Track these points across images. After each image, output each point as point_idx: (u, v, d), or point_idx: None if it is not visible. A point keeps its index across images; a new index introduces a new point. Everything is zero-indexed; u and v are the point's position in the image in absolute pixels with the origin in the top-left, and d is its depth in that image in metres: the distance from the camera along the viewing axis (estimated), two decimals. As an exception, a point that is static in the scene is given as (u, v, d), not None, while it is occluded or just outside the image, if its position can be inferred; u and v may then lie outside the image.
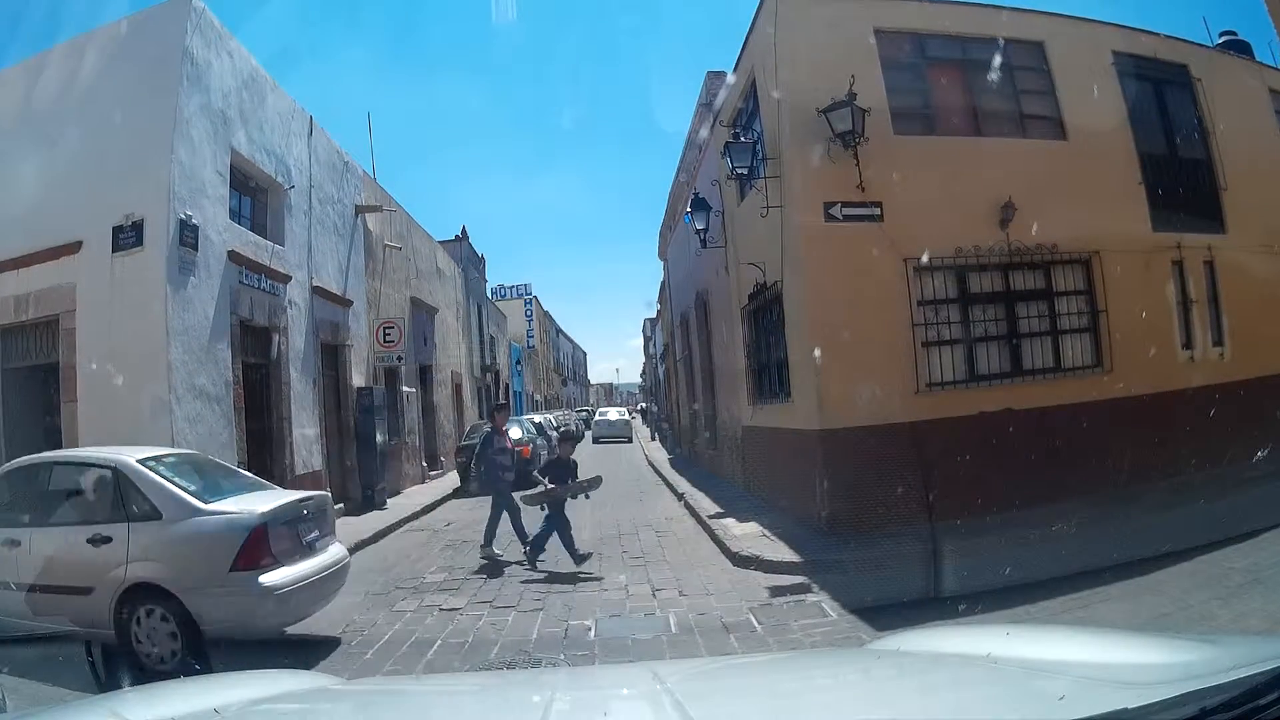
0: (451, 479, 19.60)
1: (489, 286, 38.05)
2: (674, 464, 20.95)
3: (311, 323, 13.25)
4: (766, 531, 9.94)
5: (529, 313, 56.93)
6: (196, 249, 9.91)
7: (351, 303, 15.16)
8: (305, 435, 12.55)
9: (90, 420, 9.34)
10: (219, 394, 10.07)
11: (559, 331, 79.41)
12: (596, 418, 40.03)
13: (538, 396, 57.52)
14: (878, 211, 9.18)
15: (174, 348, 9.31)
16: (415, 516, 14.11)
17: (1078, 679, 1.52)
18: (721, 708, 1.81)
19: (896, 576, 7.13)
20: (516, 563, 9.58)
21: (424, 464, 19.77)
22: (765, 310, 12.08)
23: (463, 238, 29.68)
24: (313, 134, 13.95)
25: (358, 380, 15.30)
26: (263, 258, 11.68)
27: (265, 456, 11.58)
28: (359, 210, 16.17)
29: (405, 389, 18.53)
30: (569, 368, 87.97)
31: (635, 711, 1.85)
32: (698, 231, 13.77)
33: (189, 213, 9.83)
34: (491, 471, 10.21)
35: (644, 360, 76.95)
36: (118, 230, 9.61)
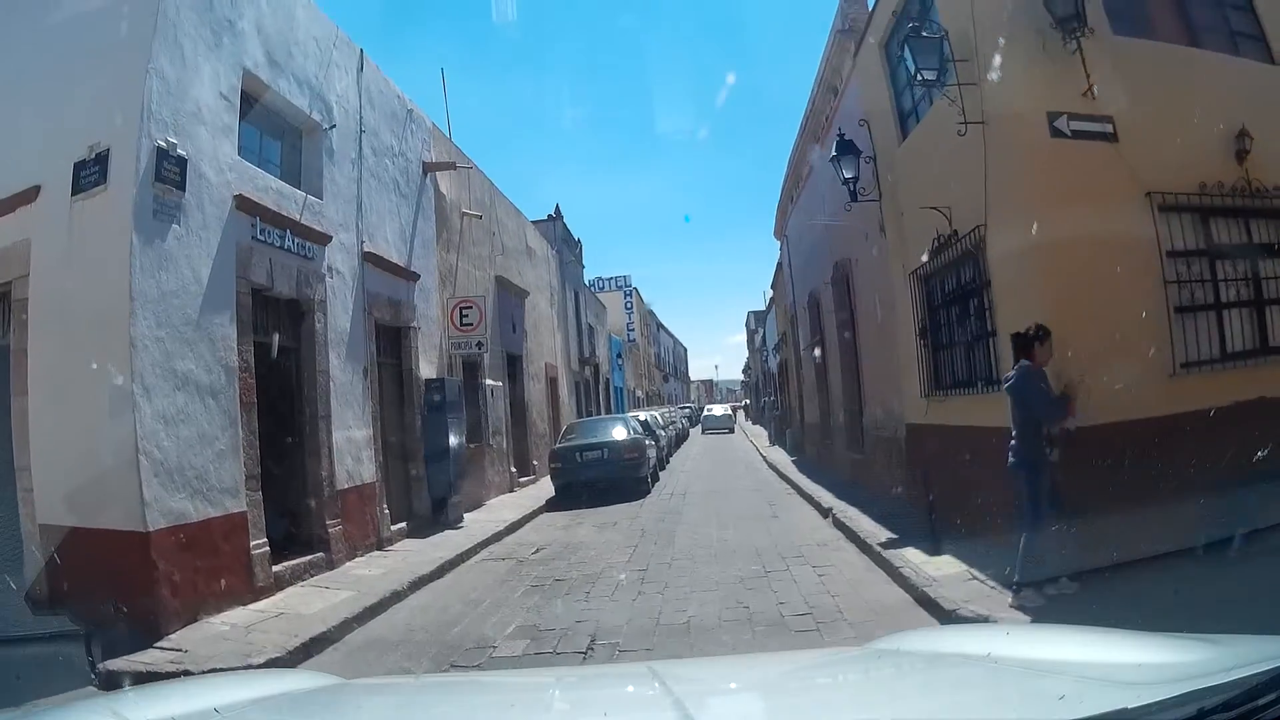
0: (545, 487, 16.82)
1: (585, 276, 35.43)
2: (800, 468, 17.64)
3: (361, 297, 10.58)
4: (975, 572, 6.82)
5: (628, 305, 53.94)
6: (183, 188, 7.27)
7: (418, 276, 12.48)
8: (351, 439, 9.87)
9: (43, 422, 6.81)
10: (215, 384, 7.41)
11: (659, 326, 77.07)
12: (704, 413, 45.53)
13: (639, 393, 54.88)
14: (1110, 128, 6.68)
15: (141, 319, 6.66)
16: (496, 538, 11.32)
17: (1078, 679, 1.50)
18: (721, 708, 1.83)
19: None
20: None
21: (512, 469, 17.05)
22: (952, 271, 8.98)
23: (556, 217, 27.01)
24: (363, 70, 11.29)
25: (426, 370, 12.62)
26: (289, 209, 9.02)
27: (291, 466, 8.94)
28: (427, 168, 13.50)
29: (489, 382, 15.84)
30: (670, 363, 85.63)
31: (635, 711, 1.84)
32: (845, 182, 10.66)
33: (171, 140, 7.18)
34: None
35: (746, 355, 75.23)
36: (80, 167, 7.03)
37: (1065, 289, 6.86)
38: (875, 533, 9.08)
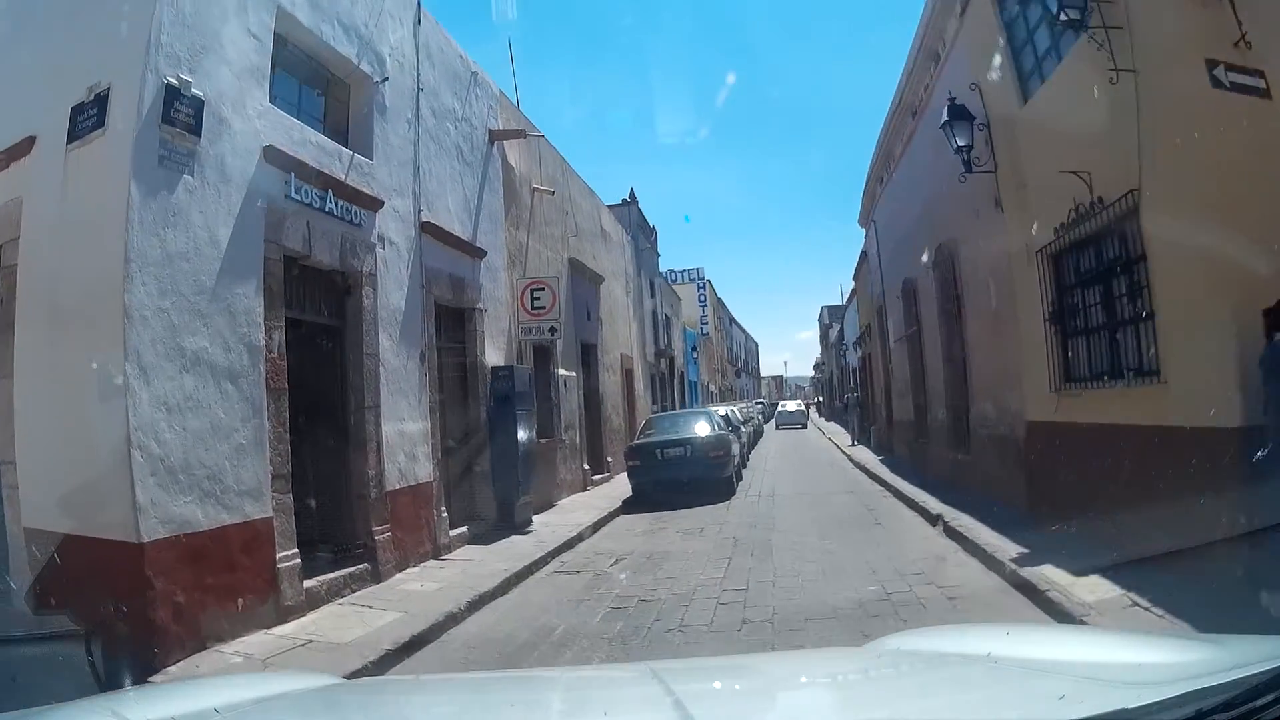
0: (620, 485, 15.48)
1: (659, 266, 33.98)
2: (892, 468, 15.84)
3: (419, 272, 9.36)
4: (1135, 598, 5.47)
5: (702, 298, 52.13)
6: (198, 133, 6.09)
7: (483, 253, 11.24)
8: (404, 432, 8.65)
9: (29, 409, 5.73)
10: (235, 365, 6.23)
11: (731, 320, 75.53)
12: (779, 409, 46.77)
13: (712, 387, 53.21)
14: (1263, 84, 5.54)
15: (139, 285, 5.49)
16: (569, 545, 10.02)
17: (1078, 679, 1.50)
18: (722, 707, 1.82)
19: None
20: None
21: (585, 467, 15.75)
22: (1090, 245, 7.63)
23: (631, 201, 25.66)
24: (420, 24, 10.07)
25: (493, 358, 11.37)
26: (332, 168, 7.83)
27: (331, 464, 7.77)
28: (494, 137, 12.25)
29: (561, 372, 14.56)
30: (741, 359, 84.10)
31: (635, 711, 1.82)
32: (959, 150, 9.39)
33: (184, 77, 6.01)
34: None
35: (819, 351, 73.96)
36: (77, 111, 5.93)
37: (1242, 260, 5.49)
38: (999, 545, 7.56)
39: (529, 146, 14.14)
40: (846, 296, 33.45)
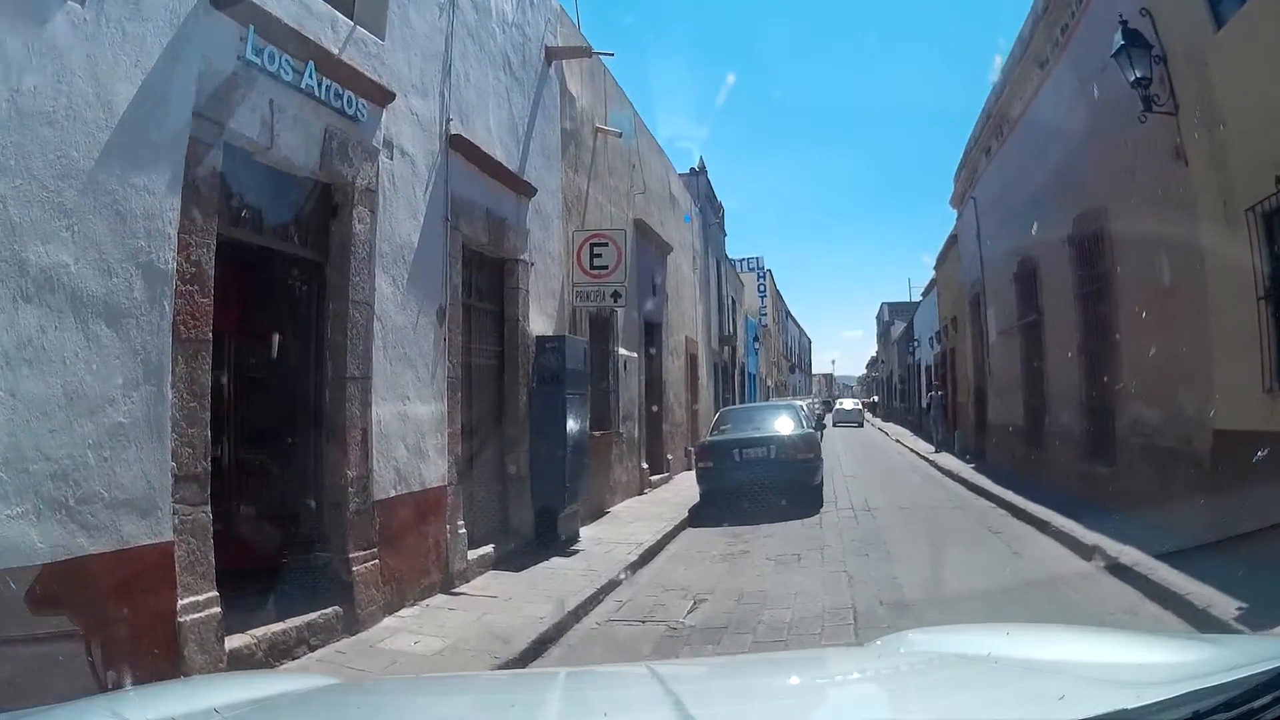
0: (682, 488, 13.02)
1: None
2: (994, 478, 12.87)
3: (443, 200, 6.98)
4: None
5: (761, 288, 49.08)
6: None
7: (534, 191, 8.83)
8: (407, 416, 6.27)
9: None
10: (118, 299, 3.88)
11: (788, 314, 72.98)
12: (836, 406, 46.44)
13: (769, 382, 50.48)
14: None
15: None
16: (627, 575, 7.56)
17: (1078, 679, 1.49)
18: (721, 707, 1.76)
19: None
20: None
21: (644, 466, 13.28)
22: None
23: (699, 171, 23.05)
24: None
25: (539, 325, 8.96)
26: (320, 35, 5.44)
27: (290, 460, 5.43)
28: (551, 55, 9.83)
29: (623, 352, 12.13)
30: (796, 354, 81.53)
31: (635, 711, 1.78)
32: (1136, 83, 7.58)
33: None
34: None
35: (875, 349, 72.13)
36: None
37: None
38: (1202, 596, 5.33)
39: (593, 78, 11.71)
40: (923, 289, 30.32)
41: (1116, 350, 9.21)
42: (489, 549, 7.44)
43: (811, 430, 12.09)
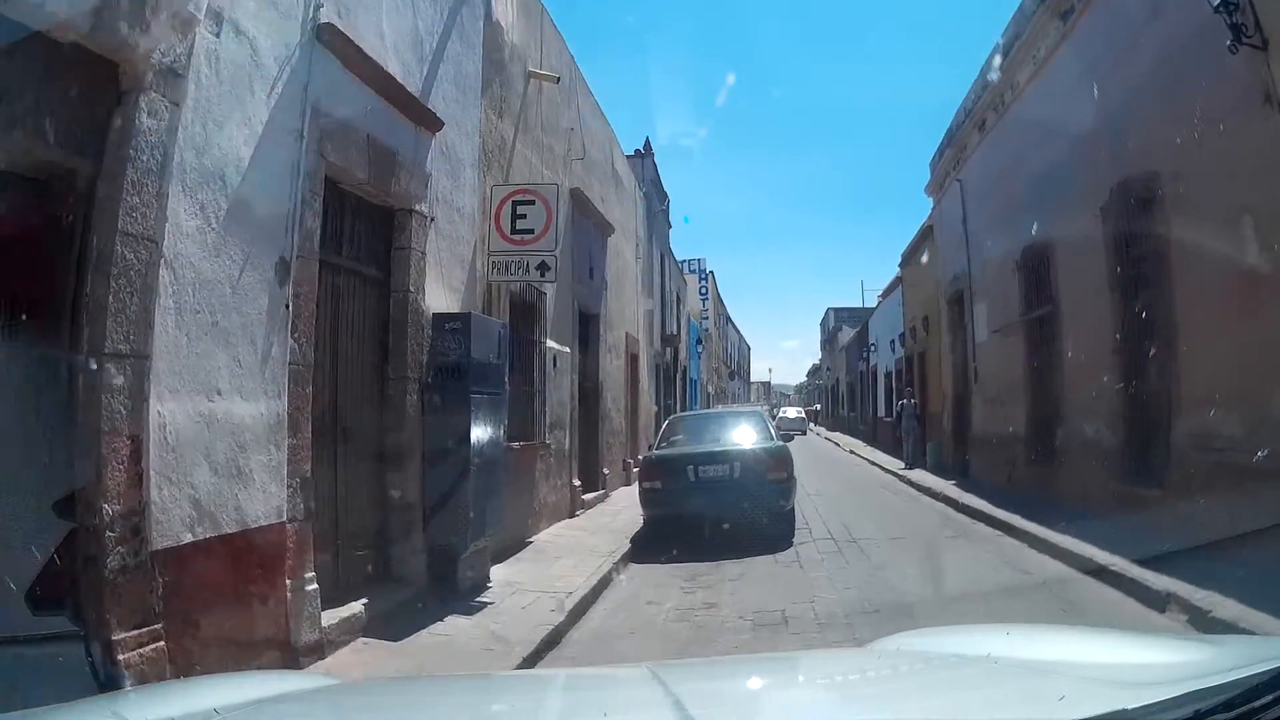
0: (621, 507, 11.00)
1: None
2: (991, 499, 11.09)
3: (298, 108, 4.82)
4: None
5: (703, 290, 47.36)
6: None
7: (440, 125, 6.68)
8: (215, 418, 4.08)
9: None
10: None
11: (728, 319, 71.82)
12: (780, 415, 44.59)
13: (710, 388, 48.87)
14: None
15: None
16: (551, 643, 5.51)
17: (1078, 679, 1.49)
18: (721, 707, 1.78)
19: None
20: None
21: (576, 482, 11.18)
22: None
23: (645, 153, 21.08)
24: None
25: (439, 299, 6.81)
26: None
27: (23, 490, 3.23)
28: (474, -33, 7.73)
29: (552, 345, 10.04)
30: (735, 361, 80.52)
31: (635, 711, 1.76)
32: (1221, 6, 6.00)
33: None
34: None
35: (818, 357, 72.41)
36: None
37: None
38: None
39: (528, 14, 9.66)
40: (882, 292, 28.73)
41: (1170, 345, 7.55)
42: (358, 607, 5.25)
43: (782, 444, 10.10)
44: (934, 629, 2.80)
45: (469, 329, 6.31)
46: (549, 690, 2.09)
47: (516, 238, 7.66)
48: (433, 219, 6.55)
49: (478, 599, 6.27)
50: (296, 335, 4.67)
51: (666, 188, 24.98)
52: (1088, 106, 8.89)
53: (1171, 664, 1.54)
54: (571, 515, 10.92)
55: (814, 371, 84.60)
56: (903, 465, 17.54)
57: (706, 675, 2.30)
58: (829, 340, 59.74)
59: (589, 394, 12.52)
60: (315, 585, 4.76)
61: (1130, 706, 1.19)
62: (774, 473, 9.09)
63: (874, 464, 21.16)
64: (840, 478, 18.00)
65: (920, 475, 15.79)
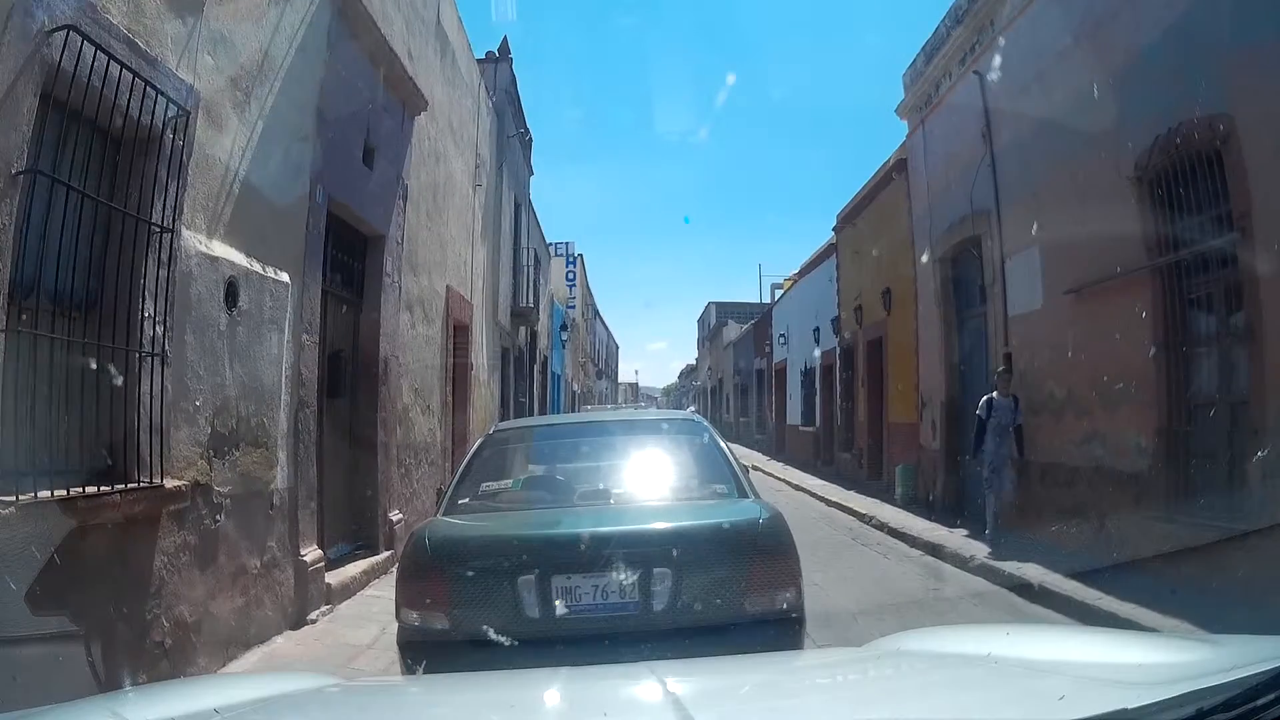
0: (377, 610, 5.19)
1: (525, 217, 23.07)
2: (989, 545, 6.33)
3: None
4: None
5: (571, 275, 41.24)
6: None
7: None
8: None
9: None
10: None
11: (597, 313, 66.15)
12: None
13: (575, 386, 43.05)
14: None
15: None
16: None
17: (1078, 679, 1.46)
18: (721, 707, 1.76)
19: None
20: None
21: (304, 553, 5.25)
22: None
23: (500, 57, 15.25)
24: None
25: None
26: None
27: None
28: None
29: (219, 251, 4.21)
30: (604, 358, 75.28)
31: (635, 711, 1.76)
32: None
33: None
34: None
35: (694, 355, 69.63)
36: None
37: None
38: None
39: None
40: (801, 266, 23.42)
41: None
42: None
43: (768, 507, 3.99)
44: (934, 629, 2.82)
45: None
46: (549, 689, 1.97)
47: None
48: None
49: None
50: None
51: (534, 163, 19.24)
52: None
53: (1171, 664, 1.50)
54: (301, 621, 5.20)
55: (687, 373, 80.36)
56: (943, 528, 9.25)
57: (707, 675, 2.16)
58: (710, 337, 54.97)
59: (359, 377, 6.71)
60: None
61: (1130, 706, 1.18)
62: (759, 593, 3.44)
63: (782, 479, 16.15)
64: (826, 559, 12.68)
65: (909, 520, 10.31)
